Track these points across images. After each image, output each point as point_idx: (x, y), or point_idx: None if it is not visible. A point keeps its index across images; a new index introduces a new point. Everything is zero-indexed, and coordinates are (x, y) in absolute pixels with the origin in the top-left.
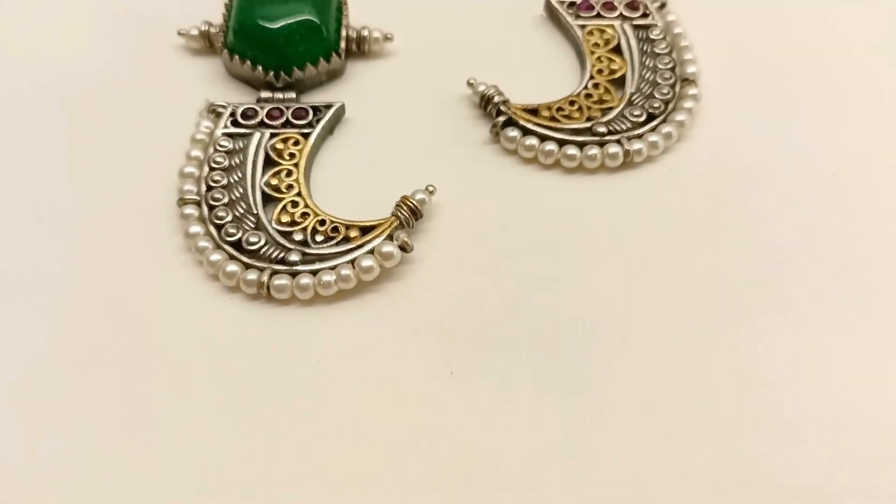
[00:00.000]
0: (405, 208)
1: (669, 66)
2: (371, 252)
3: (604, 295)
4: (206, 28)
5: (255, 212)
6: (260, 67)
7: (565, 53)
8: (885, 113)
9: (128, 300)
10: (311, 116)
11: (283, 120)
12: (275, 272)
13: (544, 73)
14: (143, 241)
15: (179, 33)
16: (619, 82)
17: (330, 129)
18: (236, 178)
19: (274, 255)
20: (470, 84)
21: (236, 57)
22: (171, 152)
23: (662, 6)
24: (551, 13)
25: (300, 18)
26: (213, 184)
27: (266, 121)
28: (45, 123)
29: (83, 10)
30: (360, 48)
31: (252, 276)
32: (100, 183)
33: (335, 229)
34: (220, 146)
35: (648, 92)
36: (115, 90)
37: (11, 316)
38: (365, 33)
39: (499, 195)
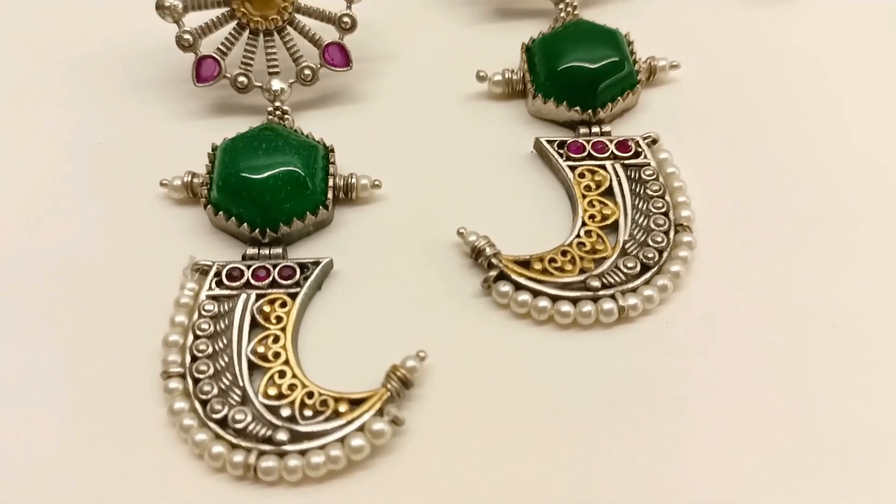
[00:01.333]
0: (395, 379)
1: (663, 210)
2: (361, 429)
3: (604, 463)
4: (190, 178)
5: (241, 384)
6: (245, 224)
7: (556, 194)
8: (885, 256)
9: (108, 483)
10: (298, 275)
11: (269, 280)
12: (262, 453)
13: (535, 216)
14: (126, 415)
15: (162, 184)
16: (612, 226)
17: (318, 286)
18: (221, 346)
19: (261, 434)
20: (460, 234)
21: (221, 212)
22: (154, 314)
23: (654, 142)
24: (541, 152)
25: (286, 171)
26: (198, 354)
27: (252, 281)
28: (24, 286)
29: (64, 157)
30: (347, 195)
31: (239, 457)
32: (81, 349)
33: (324, 403)
34: (205, 311)
35: (642, 239)
36: (96, 247)
37: None
38: (353, 180)
39: (492, 354)
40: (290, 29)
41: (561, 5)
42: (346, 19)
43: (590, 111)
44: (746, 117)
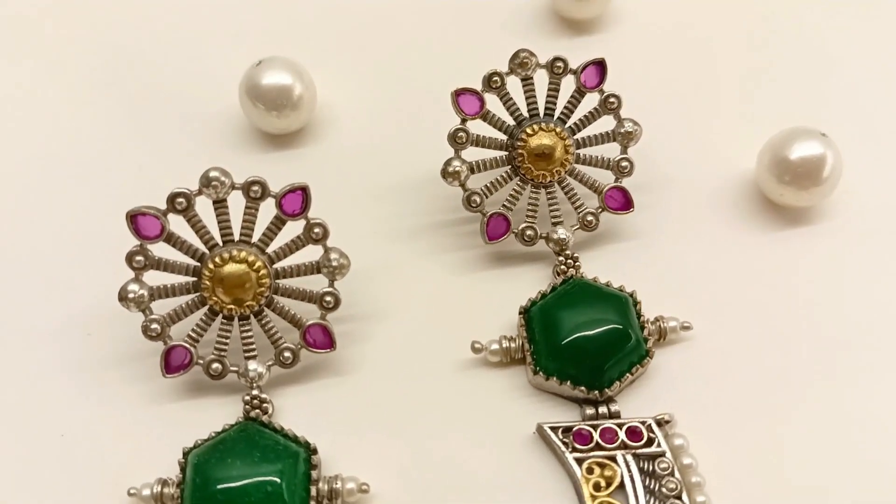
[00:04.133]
0: None
1: None
2: None
3: None
4: (160, 488)
5: None
6: None
7: (562, 488)
8: None
9: None
10: None
11: None
12: None
13: None
14: None
15: (129, 493)
16: None
17: None
18: None
19: None
20: None
21: None
22: None
23: (667, 422)
24: (544, 438)
25: (264, 487)
26: None
27: None
28: None
29: (24, 455)
30: (332, 502)
31: None
32: None
33: None
34: None
35: None
36: None
37: None
38: (337, 485)
39: None
40: (267, 311)
41: (561, 256)
42: (328, 298)
43: (596, 391)
44: (766, 380)
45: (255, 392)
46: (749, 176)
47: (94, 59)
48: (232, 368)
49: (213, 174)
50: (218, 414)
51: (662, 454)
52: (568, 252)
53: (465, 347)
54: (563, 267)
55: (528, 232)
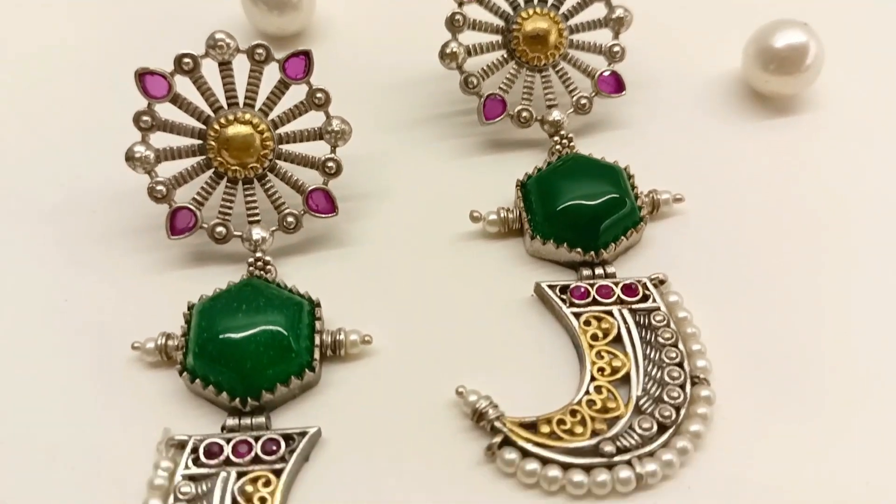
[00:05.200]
0: None
1: (676, 360)
2: None
3: None
4: (164, 341)
5: None
6: (225, 393)
7: (561, 343)
8: None
9: None
10: (282, 448)
11: (251, 456)
12: None
13: (540, 369)
14: None
15: (134, 347)
16: (624, 380)
17: (304, 458)
18: None
19: None
20: (459, 393)
21: (198, 380)
22: (126, 498)
23: (661, 283)
24: (542, 297)
25: (268, 333)
26: None
27: (232, 458)
28: None
29: (27, 316)
30: (336, 353)
31: None
32: None
33: None
34: (182, 493)
35: (657, 394)
36: (60, 419)
37: None
38: (341, 337)
39: None
40: (270, 175)
41: (556, 137)
42: (330, 164)
43: (592, 252)
44: (756, 250)
45: (258, 255)
46: (735, 73)
47: None
48: (236, 233)
49: (218, 35)
50: (221, 283)
51: (657, 308)
52: (563, 132)
53: (463, 222)
54: (557, 147)
55: (524, 114)
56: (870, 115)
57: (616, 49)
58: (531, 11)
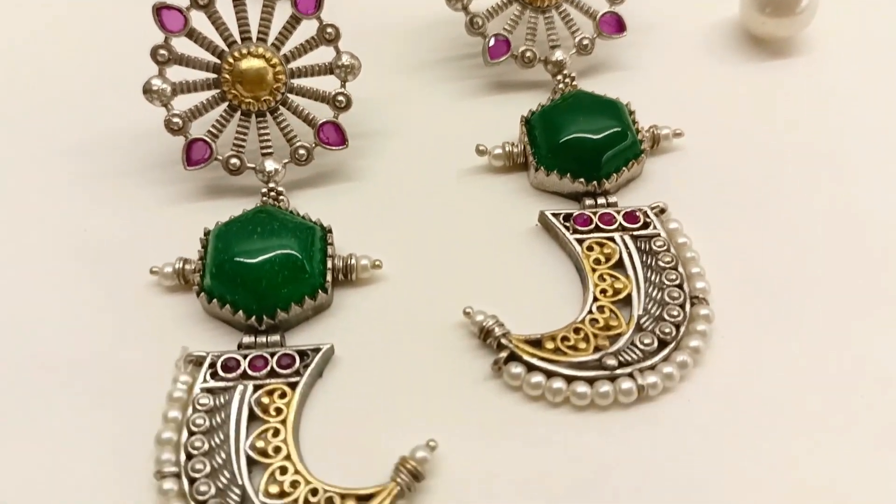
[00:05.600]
0: (405, 472)
1: (677, 282)
2: None
3: None
4: (181, 265)
5: (241, 482)
6: (241, 312)
7: (564, 269)
8: None
9: None
10: (297, 363)
11: (267, 370)
12: None
13: (544, 292)
14: None
15: (152, 271)
16: (626, 302)
17: (319, 373)
18: (218, 441)
19: None
20: (466, 313)
21: (214, 300)
22: (146, 410)
23: (662, 212)
24: (546, 226)
25: (282, 254)
26: (193, 451)
27: (249, 372)
28: (5, 382)
29: (49, 244)
30: (347, 277)
31: None
32: (69, 449)
33: (329, 501)
34: (200, 405)
35: (657, 313)
36: (83, 339)
37: None
38: (352, 261)
39: (506, 440)
40: (283, 109)
41: (559, 76)
42: (340, 98)
43: (595, 182)
44: (753, 182)
45: (271, 186)
46: (733, 19)
47: None
48: (249, 165)
49: None
50: (236, 213)
51: (658, 235)
52: (566, 72)
53: (469, 157)
54: (561, 87)
55: (528, 54)
56: (860, 57)
57: None
58: None
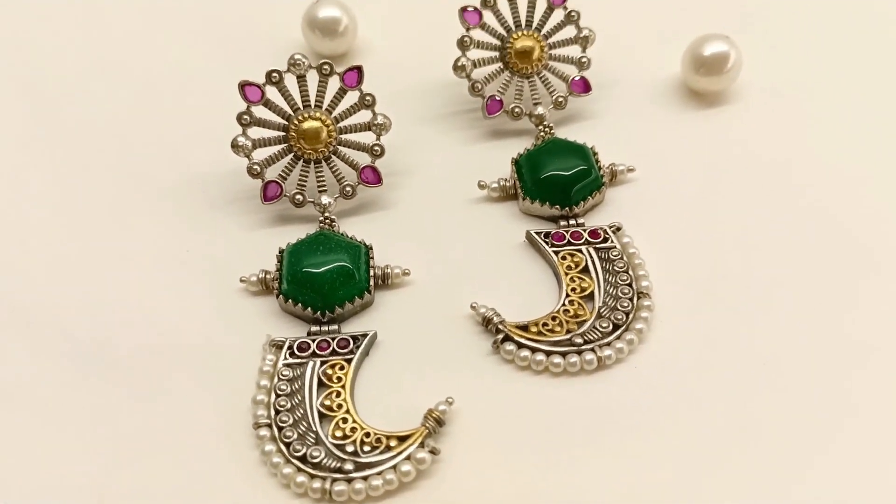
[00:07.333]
0: (431, 419)
1: (627, 282)
2: (408, 458)
3: (596, 476)
4: (263, 275)
5: (315, 429)
6: (309, 308)
7: (545, 274)
8: (807, 300)
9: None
10: (351, 345)
11: (330, 350)
12: (334, 480)
13: (530, 291)
14: (227, 458)
15: (241, 280)
16: (590, 297)
17: (366, 353)
18: (297, 401)
19: (332, 466)
20: (473, 307)
21: (290, 300)
22: (243, 381)
23: (618, 230)
24: (531, 241)
25: (339, 266)
26: (279, 408)
27: (317, 351)
28: (129, 365)
29: (159, 261)
30: (384, 282)
31: (317, 484)
32: (186, 411)
33: (378, 440)
34: (283, 375)
35: (613, 305)
36: (191, 331)
37: None
38: (388, 270)
39: (502, 398)
40: (334, 158)
41: (540, 126)
42: (376, 148)
43: (567, 208)
44: (690, 206)
45: (326, 215)
46: (675, 76)
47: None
48: (309, 199)
49: (297, 56)
50: (300, 236)
51: (614, 247)
52: (545, 123)
53: (473, 190)
54: (542, 134)
55: (516, 109)
56: (778, 105)
57: (584, 60)
58: (520, 33)
